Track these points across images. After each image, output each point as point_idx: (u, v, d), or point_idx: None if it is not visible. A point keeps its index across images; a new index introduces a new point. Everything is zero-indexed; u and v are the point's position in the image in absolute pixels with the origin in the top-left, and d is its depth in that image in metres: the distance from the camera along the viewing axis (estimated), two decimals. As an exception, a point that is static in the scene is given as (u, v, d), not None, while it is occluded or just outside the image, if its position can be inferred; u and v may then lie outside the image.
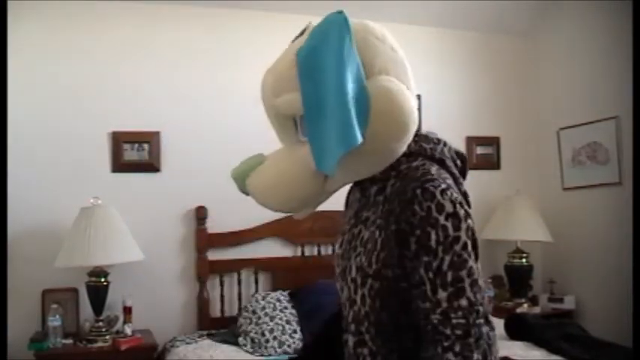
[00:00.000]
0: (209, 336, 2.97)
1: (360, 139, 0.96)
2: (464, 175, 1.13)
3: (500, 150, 3.99)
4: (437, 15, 3.71)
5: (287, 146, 1.11)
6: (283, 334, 2.88)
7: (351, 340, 1.08)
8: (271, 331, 2.86)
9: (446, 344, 0.93)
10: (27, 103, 2.99)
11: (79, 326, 2.94)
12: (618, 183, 3.39)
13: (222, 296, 3.23)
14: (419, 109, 1.11)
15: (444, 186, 0.98)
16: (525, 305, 3.53)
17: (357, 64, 1.00)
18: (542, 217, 3.65)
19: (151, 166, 3.20)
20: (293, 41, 1.12)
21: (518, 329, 2.92)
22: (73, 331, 2.89)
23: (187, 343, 2.86)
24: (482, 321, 0.94)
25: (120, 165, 3.15)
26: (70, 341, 2.78)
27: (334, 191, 1.13)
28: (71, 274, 2.89)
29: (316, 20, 1.07)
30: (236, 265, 3.26)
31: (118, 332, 2.90)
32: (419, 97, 4.51)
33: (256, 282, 3.28)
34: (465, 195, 1.05)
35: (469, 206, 1.01)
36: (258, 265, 3.29)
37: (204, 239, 3.22)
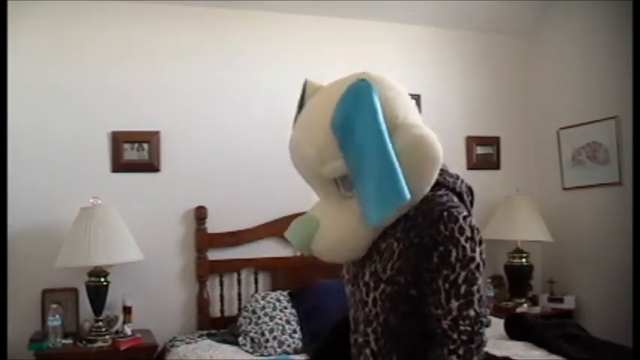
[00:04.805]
0: (209, 336, 2.97)
1: (408, 195, 1.07)
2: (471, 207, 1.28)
3: (500, 150, 3.99)
4: (437, 15, 3.71)
5: (333, 203, 1.21)
6: (283, 334, 2.88)
7: (360, 339, 1.21)
8: (271, 331, 2.86)
9: (452, 347, 1.08)
10: (27, 103, 2.99)
11: (79, 326, 2.94)
12: (618, 183, 3.39)
13: (222, 296, 3.23)
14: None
15: (465, 213, 1.13)
16: (525, 305, 3.53)
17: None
18: (542, 217, 3.65)
19: (151, 166, 3.19)
20: (300, 106, 1.25)
21: (518, 329, 2.92)
22: (72, 331, 2.89)
23: (187, 343, 2.86)
24: (484, 330, 1.10)
25: (120, 165, 3.14)
26: (69, 341, 2.78)
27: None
28: (71, 274, 2.89)
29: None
30: (236, 265, 3.26)
31: (117, 332, 2.90)
32: (419, 97, 4.47)
33: (256, 282, 3.28)
34: None
35: None
36: (258, 265, 3.28)
37: (204, 239, 3.22)
